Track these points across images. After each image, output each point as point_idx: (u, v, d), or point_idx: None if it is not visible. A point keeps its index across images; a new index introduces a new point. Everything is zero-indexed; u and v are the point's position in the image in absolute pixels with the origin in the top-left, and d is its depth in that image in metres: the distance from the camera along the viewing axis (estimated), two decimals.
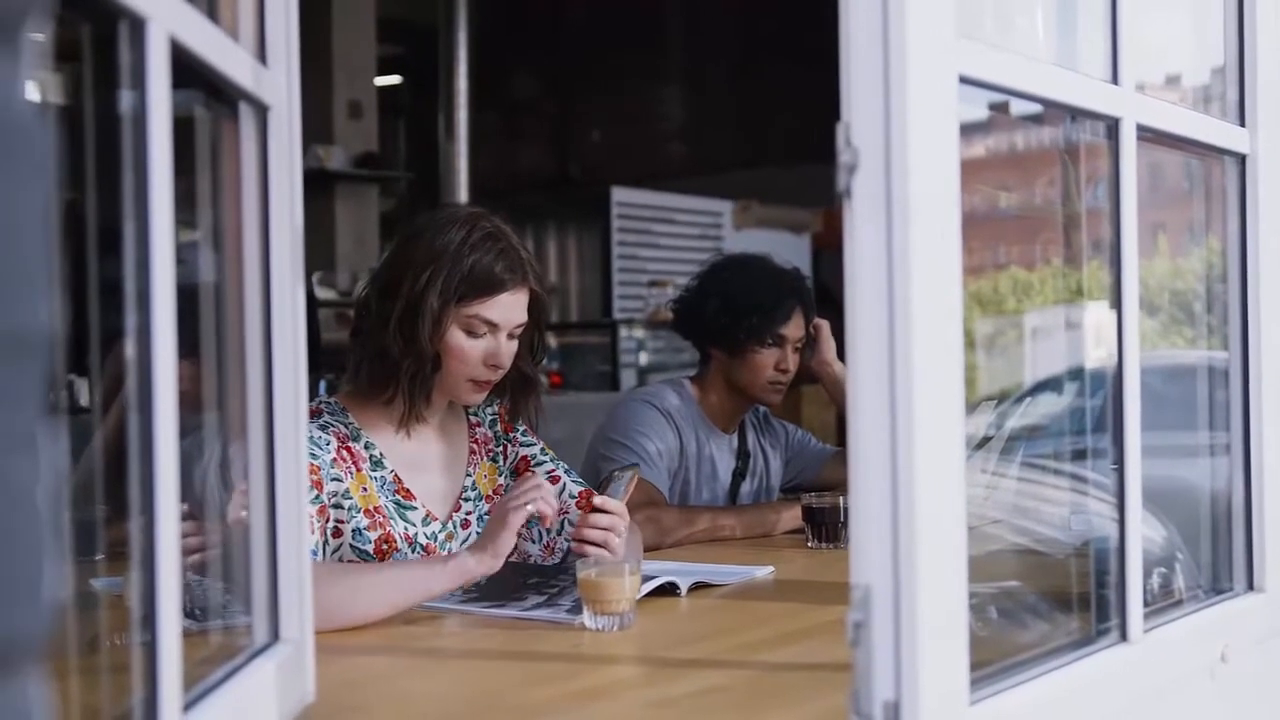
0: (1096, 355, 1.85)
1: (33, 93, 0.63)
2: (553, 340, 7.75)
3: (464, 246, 2.19)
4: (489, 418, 2.45)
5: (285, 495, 1.41)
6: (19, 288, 0.60)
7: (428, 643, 1.88)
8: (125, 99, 1.03)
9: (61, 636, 0.71)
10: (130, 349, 1.03)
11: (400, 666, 1.82)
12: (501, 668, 1.76)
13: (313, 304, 3.79)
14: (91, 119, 1.06)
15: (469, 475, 2.38)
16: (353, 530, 2.18)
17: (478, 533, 2.32)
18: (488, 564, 1.99)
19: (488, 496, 2.38)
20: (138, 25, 1.01)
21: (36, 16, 0.63)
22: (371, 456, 2.25)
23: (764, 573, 2.40)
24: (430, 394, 2.27)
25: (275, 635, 1.40)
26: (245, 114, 1.36)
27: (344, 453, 2.19)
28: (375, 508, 2.21)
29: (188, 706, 1.10)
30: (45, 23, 0.65)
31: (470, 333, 2.22)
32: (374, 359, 2.23)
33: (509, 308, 2.24)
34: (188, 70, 1.13)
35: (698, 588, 2.23)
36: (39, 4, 0.63)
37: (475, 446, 2.41)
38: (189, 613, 1.23)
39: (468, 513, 2.35)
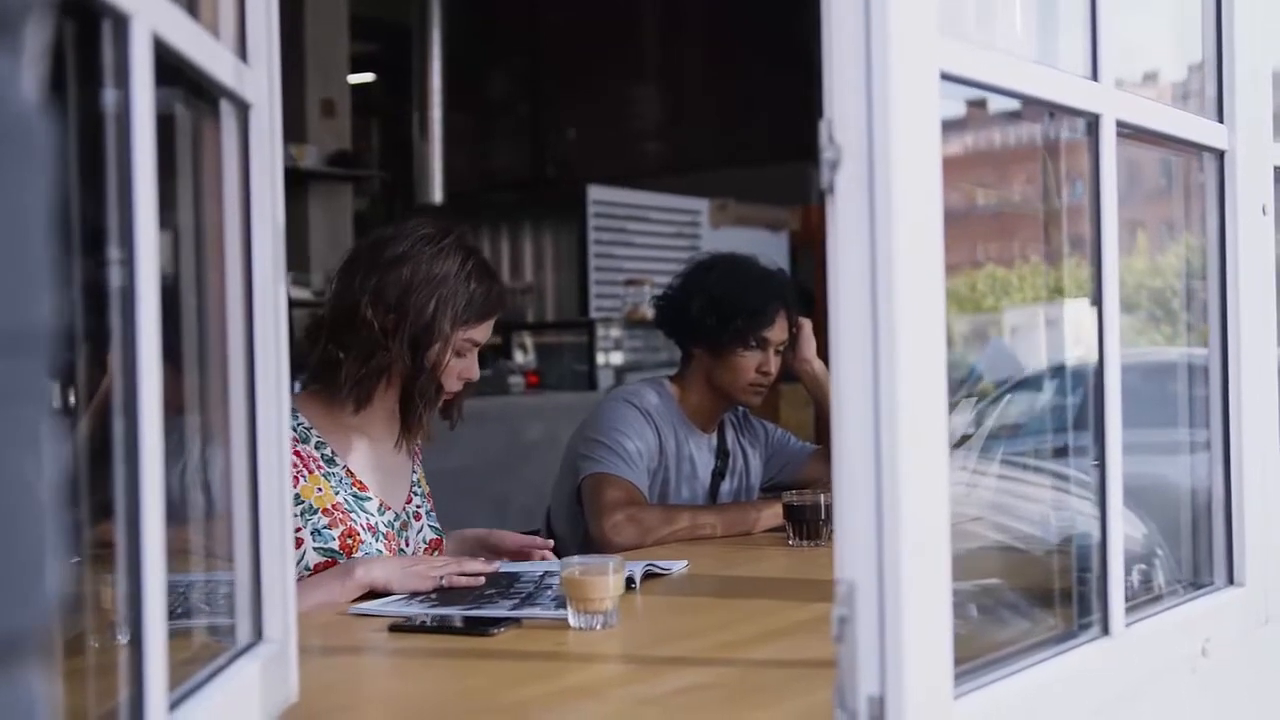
0: (1075, 352, 1.86)
1: (34, 89, 0.62)
2: (529, 339, 7.75)
3: (464, 274, 2.34)
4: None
5: (267, 495, 1.40)
6: (23, 283, 0.60)
7: (411, 643, 1.87)
8: (108, 96, 1.03)
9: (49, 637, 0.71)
10: (114, 349, 1.02)
11: (384, 667, 1.82)
12: (486, 667, 1.76)
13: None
14: (73, 116, 1.05)
15: (415, 473, 2.51)
16: (312, 532, 2.26)
17: (429, 525, 2.49)
18: (378, 578, 2.14)
19: (428, 494, 2.54)
20: (121, 22, 1.01)
21: (39, 13, 0.62)
22: (323, 455, 2.34)
23: (679, 566, 2.41)
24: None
25: (259, 635, 1.40)
26: (226, 112, 1.36)
27: (293, 456, 2.22)
28: (334, 505, 2.30)
29: (173, 706, 1.10)
30: (47, 19, 0.64)
31: (458, 353, 2.36)
32: (371, 375, 2.31)
33: (490, 329, 2.42)
34: (169, 68, 1.12)
35: (649, 577, 2.28)
36: (41, 1, 0.62)
37: (417, 450, 2.54)
38: (170, 611, 1.23)
39: (417, 506, 2.49)
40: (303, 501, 2.25)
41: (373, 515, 2.34)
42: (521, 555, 2.46)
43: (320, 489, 2.29)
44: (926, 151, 1.23)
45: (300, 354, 2.32)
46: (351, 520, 2.30)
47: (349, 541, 2.28)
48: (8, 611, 0.60)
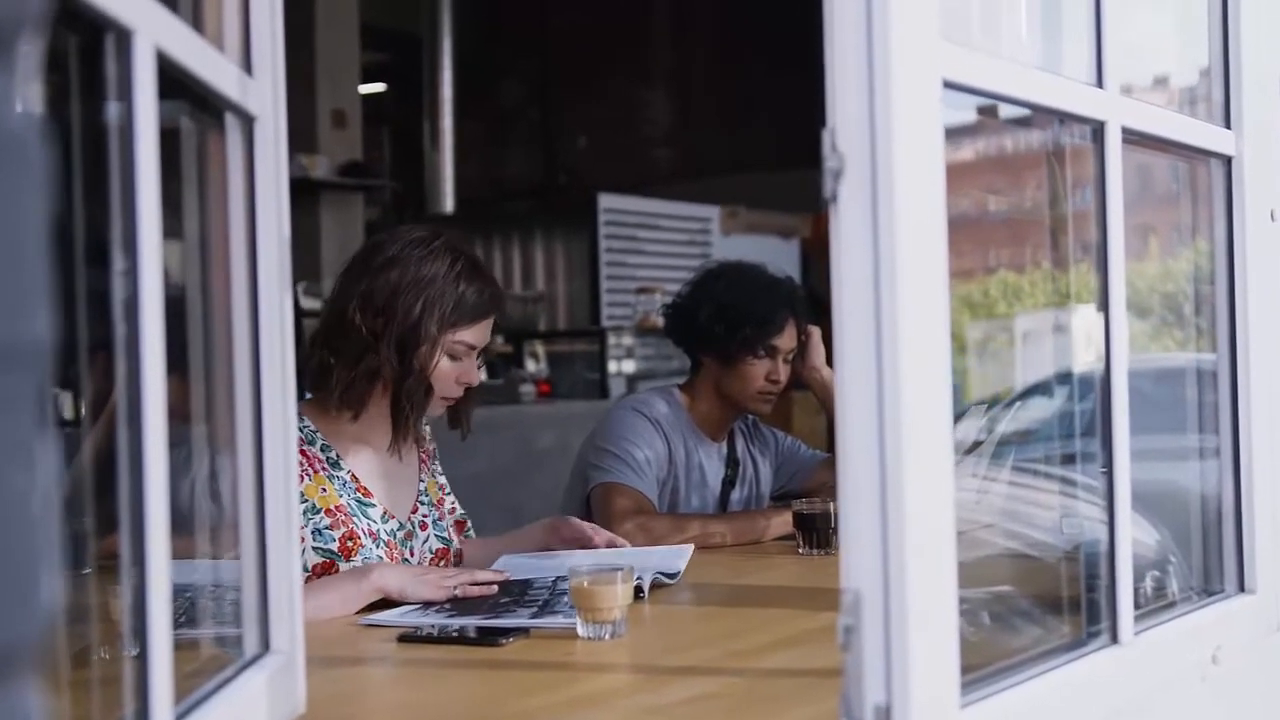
0: (1086, 358, 1.86)
1: (29, 104, 0.63)
2: (540, 348, 7.75)
3: (452, 275, 2.33)
4: (427, 435, 2.58)
5: (274, 506, 1.41)
6: (17, 298, 0.61)
7: (419, 654, 1.87)
8: (111, 110, 1.03)
9: (53, 649, 0.72)
10: (119, 361, 1.02)
11: (391, 678, 1.82)
12: (494, 677, 1.76)
13: (297, 314, 3.88)
14: (77, 130, 1.06)
15: (422, 482, 2.50)
16: (313, 532, 2.26)
17: (435, 535, 2.47)
18: (391, 585, 2.14)
19: (436, 503, 2.52)
20: (124, 37, 1.01)
21: (33, 29, 0.63)
22: (329, 458, 2.34)
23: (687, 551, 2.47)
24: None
25: (266, 646, 1.40)
26: (231, 125, 1.36)
27: (299, 456, 2.23)
28: (336, 506, 2.31)
29: (179, 718, 1.10)
30: (41, 35, 0.65)
31: (451, 356, 2.36)
32: (361, 378, 2.31)
33: (486, 331, 2.40)
34: (173, 81, 1.12)
35: (656, 587, 2.28)
36: (35, 16, 0.63)
37: (424, 457, 2.53)
38: (177, 622, 1.23)
39: (424, 516, 2.47)
40: (306, 500, 2.25)
41: (375, 522, 2.34)
42: (584, 541, 2.52)
43: (324, 489, 2.30)
44: (929, 159, 1.23)
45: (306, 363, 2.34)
46: (353, 524, 2.30)
47: (349, 544, 2.28)
48: (1, 624, 0.60)
